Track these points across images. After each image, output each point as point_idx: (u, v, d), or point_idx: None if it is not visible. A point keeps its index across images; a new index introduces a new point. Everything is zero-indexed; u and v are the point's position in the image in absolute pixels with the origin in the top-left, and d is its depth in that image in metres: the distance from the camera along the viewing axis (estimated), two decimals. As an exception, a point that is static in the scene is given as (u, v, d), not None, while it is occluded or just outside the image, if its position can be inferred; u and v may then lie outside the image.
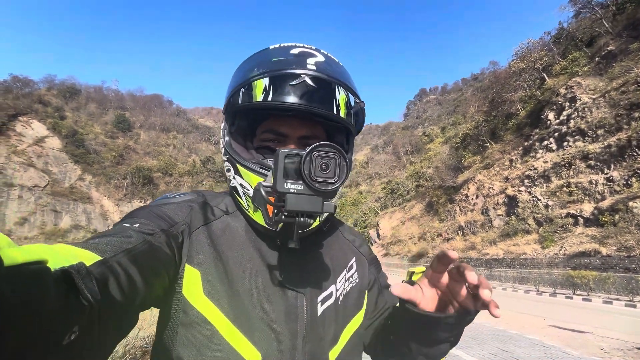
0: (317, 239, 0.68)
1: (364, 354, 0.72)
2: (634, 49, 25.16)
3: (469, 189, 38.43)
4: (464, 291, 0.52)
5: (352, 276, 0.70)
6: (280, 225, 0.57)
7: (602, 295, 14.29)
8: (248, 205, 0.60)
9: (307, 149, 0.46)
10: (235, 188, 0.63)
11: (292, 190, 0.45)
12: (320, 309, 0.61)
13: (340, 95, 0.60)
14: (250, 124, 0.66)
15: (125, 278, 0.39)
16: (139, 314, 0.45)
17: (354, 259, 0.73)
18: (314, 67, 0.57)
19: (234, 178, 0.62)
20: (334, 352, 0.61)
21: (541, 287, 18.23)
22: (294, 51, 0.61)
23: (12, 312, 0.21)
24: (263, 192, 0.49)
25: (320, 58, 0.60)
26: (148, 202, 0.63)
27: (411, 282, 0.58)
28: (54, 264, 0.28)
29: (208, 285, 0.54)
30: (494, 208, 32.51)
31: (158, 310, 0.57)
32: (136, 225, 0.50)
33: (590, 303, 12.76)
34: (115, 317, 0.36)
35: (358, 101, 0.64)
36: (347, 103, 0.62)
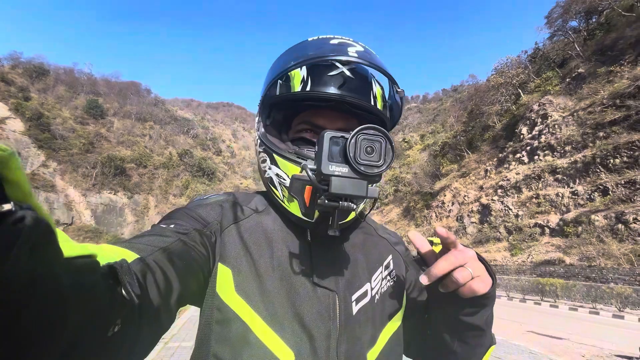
0: (350, 236, 0.66)
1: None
2: (601, 72, 27.06)
3: (445, 195, 39.71)
4: None
5: (389, 274, 0.67)
6: (316, 216, 0.56)
7: (567, 303, 15.18)
8: (283, 195, 0.60)
9: (353, 131, 0.45)
10: (270, 179, 0.62)
11: (337, 173, 0.44)
12: (355, 308, 0.59)
13: (377, 88, 0.60)
14: (286, 117, 0.65)
15: (161, 275, 0.40)
16: (177, 311, 0.45)
17: (390, 257, 0.70)
18: (355, 55, 0.56)
19: (269, 168, 0.61)
20: (372, 354, 0.59)
21: (511, 292, 19.11)
22: (334, 42, 0.60)
23: (68, 300, 0.22)
24: (310, 174, 0.47)
25: (360, 48, 0.59)
26: (186, 203, 0.64)
27: None
28: (101, 260, 0.29)
29: (239, 283, 0.54)
30: (468, 215, 33.77)
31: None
32: (172, 225, 0.51)
33: (557, 309, 13.51)
34: (153, 313, 0.37)
35: (398, 89, 0.63)
36: (383, 96, 0.62)
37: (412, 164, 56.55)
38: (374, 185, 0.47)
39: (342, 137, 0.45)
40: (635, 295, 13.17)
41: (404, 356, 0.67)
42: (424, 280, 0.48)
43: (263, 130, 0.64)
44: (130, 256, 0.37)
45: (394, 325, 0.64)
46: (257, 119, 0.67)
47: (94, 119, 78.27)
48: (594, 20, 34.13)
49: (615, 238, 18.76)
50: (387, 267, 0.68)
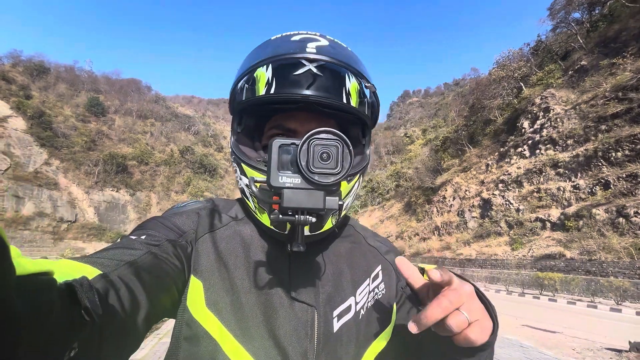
0: (333, 245, 0.62)
1: None
2: (603, 65, 26.74)
3: (446, 190, 39.64)
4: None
5: (377, 287, 0.62)
6: (288, 227, 0.52)
7: (565, 296, 15.20)
8: (255, 206, 0.56)
9: (304, 137, 0.41)
10: (242, 189, 0.59)
11: (289, 184, 0.40)
12: (336, 325, 0.54)
13: (351, 84, 0.54)
14: (258, 123, 0.61)
15: (126, 292, 0.37)
16: (146, 330, 0.42)
17: (379, 268, 0.64)
18: (313, 50, 0.52)
19: (240, 179, 0.58)
20: None
21: (511, 287, 19.15)
22: (295, 38, 0.56)
23: (20, 321, 0.21)
24: (254, 188, 0.44)
25: (324, 42, 0.55)
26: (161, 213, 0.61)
27: None
28: (59, 277, 0.27)
29: (210, 297, 0.51)
30: (469, 210, 33.74)
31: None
32: (143, 237, 0.48)
33: (556, 303, 13.54)
34: (117, 333, 0.35)
35: (367, 84, 0.57)
36: (360, 92, 0.56)
37: (414, 158, 56.39)
38: (334, 195, 0.42)
39: (293, 144, 0.42)
40: (633, 289, 13.19)
41: None
42: (412, 329, 0.40)
43: (233, 139, 0.61)
44: (92, 272, 0.35)
45: (379, 344, 0.58)
46: (231, 125, 0.63)
47: (95, 116, 78.48)
48: (597, 11, 33.62)
49: (616, 232, 18.71)
50: (375, 278, 0.63)
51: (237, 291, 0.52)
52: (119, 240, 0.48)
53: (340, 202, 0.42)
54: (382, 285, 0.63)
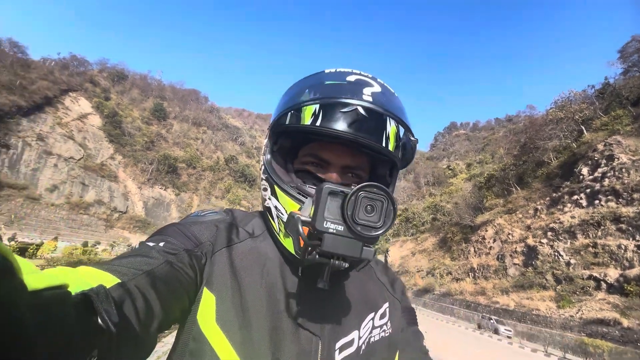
0: (343, 276, 0.63)
1: None
2: (682, 115, 24.10)
3: (486, 231, 37.17)
4: None
5: (385, 324, 0.62)
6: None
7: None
8: (280, 229, 0.57)
9: (354, 188, 0.42)
10: (269, 209, 0.60)
11: (332, 231, 0.42)
12: (338, 357, 0.54)
13: (391, 127, 0.56)
14: (294, 146, 0.63)
15: (142, 301, 0.38)
16: (157, 338, 0.43)
17: (386, 305, 0.65)
18: (370, 99, 0.54)
19: (269, 199, 0.59)
20: None
21: (550, 348, 17.17)
22: (350, 78, 0.57)
23: (34, 337, 0.21)
24: (299, 225, 0.45)
25: (377, 88, 0.57)
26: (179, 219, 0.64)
27: None
28: (75, 288, 0.28)
29: (221, 313, 0.51)
30: (510, 256, 31.19)
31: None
32: (161, 244, 0.49)
33: (602, 376, 11.94)
34: (133, 341, 0.36)
35: (412, 138, 0.60)
36: (397, 135, 0.57)
37: (455, 193, 54.00)
38: (371, 246, 0.44)
39: (342, 192, 0.43)
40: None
41: None
42: None
43: (269, 157, 0.62)
44: (110, 280, 0.36)
45: None
46: (265, 142, 0.66)
47: (157, 120, 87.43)
48: (677, 57, 30.74)
49: (689, 306, 16.16)
50: (382, 316, 0.63)
51: (247, 310, 0.52)
52: (137, 246, 0.49)
53: (375, 252, 0.44)
54: (389, 324, 0.63)
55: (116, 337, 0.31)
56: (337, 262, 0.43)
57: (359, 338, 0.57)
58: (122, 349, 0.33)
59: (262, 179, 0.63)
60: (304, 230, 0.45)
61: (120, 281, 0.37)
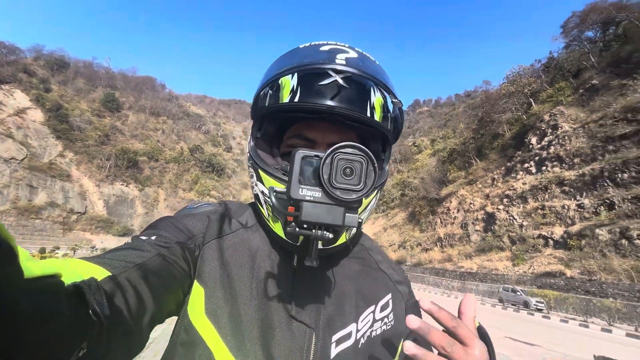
0: (342, 264, 0.60)
1: None
2: (614, 85, 26.71)
3: (451, 202, 39.62)
4: None
5: (386, 317, 0.59)
6: (301, 239, 0.52)
7: (560, 314, 15.22)
8: (269, 214, 0.55)
9: (329, 150, 0.40)
10: (257, 196, 0.58)
11: (309, 198, 0.39)
12: (334, 351, 0.52)
13: (376, 97, 0.54)
14: (278, 129, 0.61)
15: (133, 294, 0.37)
16: (150, 332, 0.42)
17: (389, 297, 0.61)
18: (343, 62, 0.51)
19: (256, 185, 0.57)
20: None
21: (507, 302, 19.16)
22: (324, 48, 0.55)
23: (27, 324, 0.21)
24: (273, 199, 0.43)
25: (353, 54, 0.54)
26: (173, 213, 0.62)
27: None
28: (67, 279, 0.28)
29: (210, 305, 0.50)
30: (472, 223, 33.68)
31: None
32: (153, 237, 0.48)
33: (549, 320, 13.61)
34: (124, 334, 0.35)
35: (394, 100, 0.56)
36: (384, 106, 0.55)
37: (421, 168, 56.41)
38: (354, 211, 0.41)
39: (316, 156, 0.40)
40: (625, 310, 13.19)
41: None
42: (408, 349, 0.39)
43: (253, 143, 0.60)
44: (101, 273, 0.35)
45: None
46: (251, 130, 0.65)
47: (110, 112, 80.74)
48: (610, 31, 33.58)
49: (618, 253, 18.63)
50: (383, 308, 0.60)
51: (237, 302, 0.51)
52: (129, 241, 0.48)
53: (359, 220, 0.42)
54: (391, 316, 0.60)
55: (107, 329, 0.30)
56: (319, 232, 0.40)
57: (357, 331, 0.55)
58: (112, 342, 0.33)
59: (248, 166, 0.60)
60: (290, 209, 0.42)
61: (110, 274, 0.36)
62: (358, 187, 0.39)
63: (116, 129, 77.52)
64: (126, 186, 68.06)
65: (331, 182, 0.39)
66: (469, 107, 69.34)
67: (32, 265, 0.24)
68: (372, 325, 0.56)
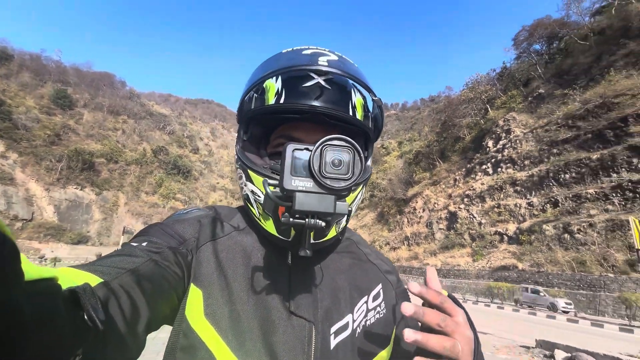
0: (334, 260, 0.63)
1: None
2: (557, 94, 29.54)
3: (417, 202, 41.36)
4: None
5: (379, 306, 0.62)
6: (292, 234, 0.54)
7: (513, 305, 16.53)
8: (259, 213, 0.57)
9: (317, 143, 0.42)
10: (247, 196, 0.59)
11: (301, 188, 0.41)
12: (333, 342, 0.54)
13: (357, 98, 0.58)
14: (264, 132, 0.64)
15: (127, 300, 0.37)
16: (146, 337, 0.42)
17: (379, 287, 0.65)
18: (325, 64, 0.54)
19: (245, 185, 0.59)
20: None
21: (467, 295, 20.40)
22: (307, 52, 0.59)
23: (30, 325, 0.21)
24: (268, 191, 0.44)
25: (333, 57, 0.58)
26: (163, 219, 0.62)
27: None
28: (62, 284, 0.28)
29: (209, 307, 0.50)
30: (437, 222, 35.41)
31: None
32: (144, 244, 0.48)
33: (503, 310, 14.74)
34: (120, 340, 0.35)
35: (375, 98, 0.59)
36: (365, 107, 0.59)
37: (389, 170, 58.26)
38: (344, 200, 0.43)
39: (306, 149, 0.43)
40: (567, 298, 14.67)
41: None
42: (408, 339, 0.41)
43: (239, 146, 0.62)
44: (93, 280, 0.35)
45: None
46: (237, 133, 0.66)
47: (61, 109, 74.31)
48: (554, 45, 37.10)
49: (561, 246, 20.58)
50: (375, 297, 0.63)
51: (235, 302, 0.52)
52: (120, 247, 0.49)
53: (349, 208, 0.45)
54: (382, 305, 0.63)
55: (102, 335, 0.30)
56: (312, 220, 0.42)
57: (353, 322, 0.57)
58: (108, 348, 0.32)
59: (236, 168, 0.62)
60: (281, 208, 0.46)
61: (103, 280, 0.36)
62: (346, 176, 0.42)
63: (69, 128, 71.51)
64: (81, 190, 62.95)
65: (321, 172, 0.41)
66: (433, 111, 72.71)
67: (29, 268, 0.23)
68: (366, 315, 0.59)
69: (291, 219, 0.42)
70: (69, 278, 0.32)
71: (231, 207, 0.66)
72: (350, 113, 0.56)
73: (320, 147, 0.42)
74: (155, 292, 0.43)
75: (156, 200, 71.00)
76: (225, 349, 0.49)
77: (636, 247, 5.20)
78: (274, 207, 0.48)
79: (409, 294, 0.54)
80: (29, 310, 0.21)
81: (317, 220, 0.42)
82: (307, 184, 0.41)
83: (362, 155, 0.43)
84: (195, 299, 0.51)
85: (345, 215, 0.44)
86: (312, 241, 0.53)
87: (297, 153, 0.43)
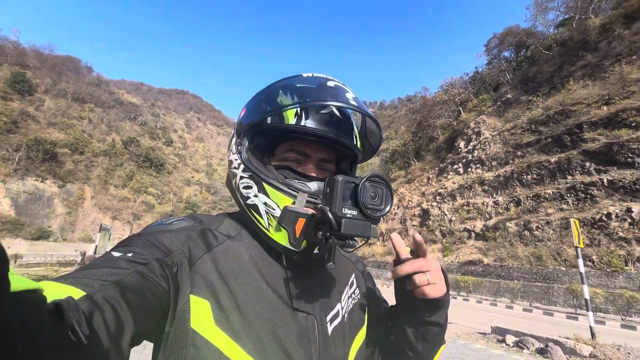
0: (321, 257, 0.69)
1: None
2: (523, 100, 31.42)
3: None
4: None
5: (354, 292, 0.72)
6: (303, 245, 0.58)
7: (477, 297, 17.72)
8: (269, 224, 0.60)
9: (362, 178, 0.50)
10: (255, 206, 0.61)
11: (349, 215, 0.49)
12: (330, 329, 0.61)
13: (356, 129, 0.69)
14: (270, 143, 0.68)
15: (111, 313, 0.37)
16: (129, 351, 0.41)
17: (353, 276, 0.75)
18: (355, 104, 0.61)
19: (255, 196, 0.61)
20: None
21: (437, 289, 21.52)
22: (330, 84, 0.65)
23: (14, 337, 0.21)
24: (330, 215, 0.50)
25: (353, 94, 0.65)
26: (141, 229, 0.62)
27: None
28: (46, 297, 0.27)
29: (219, 315, 0.52)
30: (410, 219, 36.69)
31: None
32: (129, 254, 0.48)
33: (468, 302, 15.84)
34: (103, 355, 0.34)
35: (383, 137, 0.75)
36: (357, 135, 0.70)
37: (366, 167, 59.32)
38: (375, 226, 0.52)
39: (353, 182, 0.51)
40: (524, 290, 15.96)
41: None
42: (389, 275, 0.57)
43: (246, 155, 0.65)
44: (76, 294, 0.34)
45: (359, 340, 0.68)
46: (234, 139, 0.68)
47: (19, 94, 68.71)
48: (522, 53, 39.30)
49: (521, 242, 22.13)
50: (351, 285, 0.72)
51: (242, 307, 0.54)
52: (101, 258, 0.47)
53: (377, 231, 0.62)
54: (357, 291, 0.73)
55: (85, 350, 0.30)
56: (351, 242, 0.50)
57: (342, 309, 0.66)
58: None
59: (241, 177, 0.64)
60: (300, 222, 0.55)
61: (86, 294, 0.35)
62: (381, 207, 0.51)
63: (28, 115, 66.32)
64: (42, 182, 58.87)
65: (365, 203, 0.49)
66: (410, 111, 74.60)
67: (15, 278, 0.23)
68: (348, 302, 0.68)
69: (337, 240, 0.50)
70: (52, 291, 0.31)
71: (212, 216, 0.68)
72: (354, 142, 0.67)
73: (364, 183, 0.50)
74: (141, 305, 0.43)
75: (126, 194, 67.92)
76: (242, 353, 0.51)
77: (575, 245, 5.89)
78: (295, 221, 0.55)
79: (371, 274, 0.78)
80: (16, 321, 0.21)
81: (354, 241, 0.51)
82: (353, 212, 0.49)
83: (392, 191, 0.53)
84: (201, 310, 0.51)
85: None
86: (316, 251, 0.59)
87: (346, 185, 0.50)
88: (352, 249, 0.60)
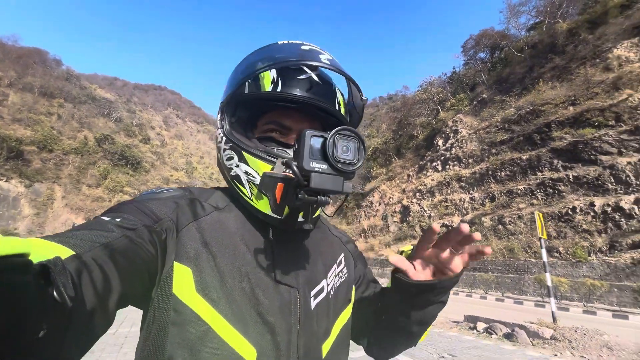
0: (307, 235, 0.69)
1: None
2: (497, 100, 32.73)
3: (374, 196, 43.23)
4: (448, 256, 0.58)
5: (341, 271, 0.72)
6: (285, 213, 0.57)
7: (454, 289, 18.36)
8: (252, 193, 0.60)
9: (331, 132, 0.48)
10: (237, 176, 0.62)
11: (317, 169, 0.47)
12: (313, 303, 0.61)
13: (339, 95, 0.66)
14: (252, 116, 0.66)
15: (99, 274, 0.37)
16: (115, 313, 0.41)
17: (342, 255, 0.75)
18: (328, 63, 0.58)
19: (237, 166, 0.61)
20: (327, 345, 0.62)
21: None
22: (305, 47, 0.63)
23: None
24: (295, 168, 0.49)
25: (330, 56, 0.62)
26: (133, 197, 0.62)
27: None
28: (33, 258, 0.27)
29: (200, 283, 0.52)
30: (391, 215, 37.46)
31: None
32: (117, 219, 0.48)
33: (445, 294, 16.42)
34: (87, 316, 0.34)
35: (363, 97, 0.70)
36: (344, 103, 0.68)
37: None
38: (349, 181, 0.51)
39: (322, 136, 0.49)
40: (497, 281, 16.76)
41: (351, 342, 0.73)
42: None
43: (229, 127, 0.65)
44: (65, 252, 0.34)
45: (344, 317, 0.68)
46: (218, 116, 0.68)
47: (-20, 88, 64.15)
48: (497, 54, 40.87)
49: (496, 236, 23.14)
50: (339, 264, 0.72)
51: (225, 277, 0.54)
52: (90, 221, 0.47)
53: (352, 186, 0.53)
54: (345, 270, 0.73)
55: (69, 311, 0.30)
56: (323, 198, 0.48)
57: (327, 285, 0.66)
58: (75, 323, 0.32)
59: (223, 149, 0.64)
60: (279, 187, 0.54)
61: (75, 253, 0.35)
62: (353, 161, 0.49)
63: (-10, 111, 62.13)
64: (6, 181, 55.36)
65: (334, 157, 0.48)
66: (391, 110, 75.70)
67: (2, 242, 0.23)
68: (335, 280, 0.69)
69: (306, 196, 0.48)
70: (40, 250, 0.31)
71: (205, 188, 0.69)
72: (337, 107, 0.64)
73: (334, 135, 0.48)
74: (129, 268, 0.43)
75: (101, 194, 65.05)
76: (222, 320, 0.52)
77: (539, 236, 6.34)
78: (274, 186, 0.54)
79: (363, 255, 0.80)
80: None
81: (327, 198, 0.49)
82: (322, 166, 0.48)
83: (365, 145, 0.50)
84: (183, 276, 0.52)
85: (350, 193, 0.52)
86: (300, 219, 0.59)
87: (313, 139, 0.49)
88: (325, 206, 0.57)
